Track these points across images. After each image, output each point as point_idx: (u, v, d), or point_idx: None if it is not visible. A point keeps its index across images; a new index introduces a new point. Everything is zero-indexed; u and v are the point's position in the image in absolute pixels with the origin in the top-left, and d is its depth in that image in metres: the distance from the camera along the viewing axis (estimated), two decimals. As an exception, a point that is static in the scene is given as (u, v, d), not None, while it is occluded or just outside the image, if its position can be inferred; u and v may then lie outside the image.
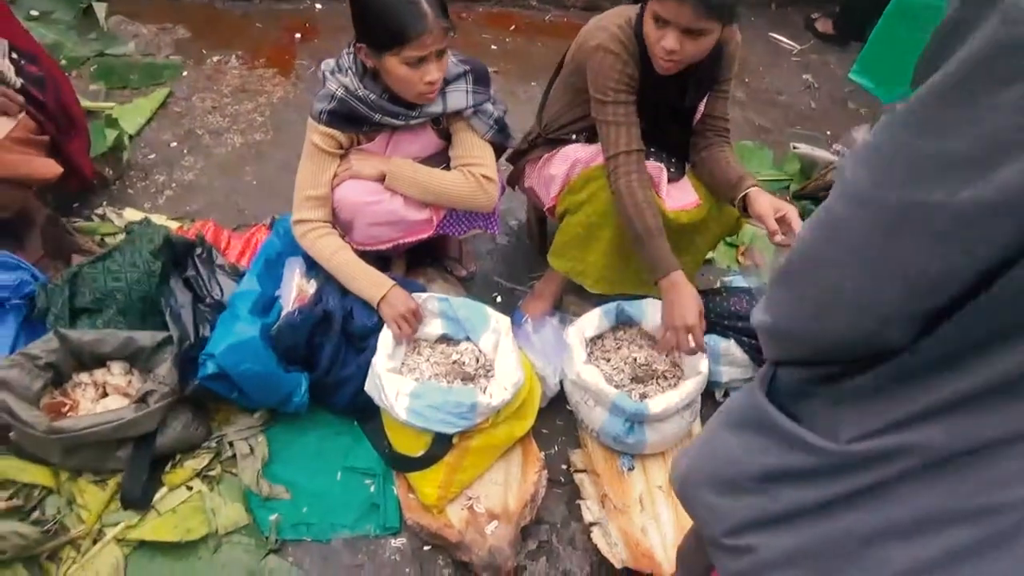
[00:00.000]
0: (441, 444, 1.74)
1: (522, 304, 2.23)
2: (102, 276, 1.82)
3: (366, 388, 1.79)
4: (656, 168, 1.92)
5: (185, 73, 3.13)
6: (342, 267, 1.83)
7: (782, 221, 1.68)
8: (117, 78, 3.04)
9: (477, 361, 1.87)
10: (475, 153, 1.85)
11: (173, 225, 2.31)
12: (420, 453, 1.75)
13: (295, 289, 1.87)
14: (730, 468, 0.80)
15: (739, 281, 2.24)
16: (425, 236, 1.96)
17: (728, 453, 0.81)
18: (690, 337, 1.74)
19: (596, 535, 1.77)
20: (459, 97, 1.79)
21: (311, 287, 1.90)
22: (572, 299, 2.26)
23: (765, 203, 1.70)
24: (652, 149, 1.97)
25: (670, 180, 1.96)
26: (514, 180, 2.24)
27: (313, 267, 1.96)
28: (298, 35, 3.45)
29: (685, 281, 1.74)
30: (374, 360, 1.79)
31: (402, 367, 1.88)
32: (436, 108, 1.77)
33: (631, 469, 1.91)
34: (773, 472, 0.75)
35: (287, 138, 2.84)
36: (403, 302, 1.80)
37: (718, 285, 2.28)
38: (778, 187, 2.90)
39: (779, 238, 1.66)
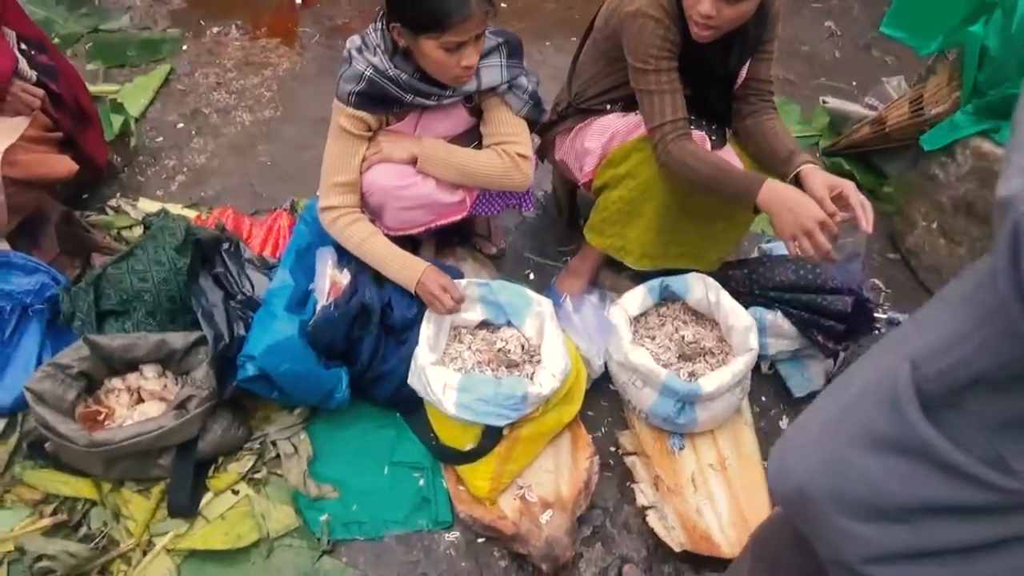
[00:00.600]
0: (492, 436, 1.69)
1: (556, 282, 2.16)
2: (127, 277, 1.74)
3: (410, 382, 1.73)
4: (699, 137, 1.82)
5: (185, 47, 2.99)
6: (374, 253, 1.75)
7: (839, 199, 1.58)
8: (115, 56, 2.89)
9: (522, 348, 1.80)
10: (509, 130, 1.76)
11: (190, 214, 2.21)
12: (469, 446, 1.70)
13: (329, 281, 1.79)
14: (875, 496, 0.73)
15: (780, 248, 2.16)
16: (459, 218, 1.88)
17: (870, 478, 0.74)
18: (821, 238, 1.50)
19: (652, 519, 1.73)
20: (494, 72, 1.69)
21: (345, 278, 1.82)
22: (607, 274, 2.18)
23: (819, 183, 1.60)
24: (692, 116, 1.86)
25: (712, 149, 1.86)
26: (543, 152, 2.14)
27: (345, 256, 1.87)
28: (299, 0, 3.28)
29: (784, 185, 1.57)
30: (416, 352, 1.72)
31: (444, 356, 1.82)
32: (470, 86, 1.67)
33: (681, 448, 1.86)
34: (935, 506, 0.68)
35: (297, 113, 2.72)
36: (437, 279, 1.73)
37: (755, 254, 2.20)
38: (807, 143, 2.80)
39: (838, 218, 1.56)
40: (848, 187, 1.58)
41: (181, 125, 2.65)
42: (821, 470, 0.81)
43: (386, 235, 1.83)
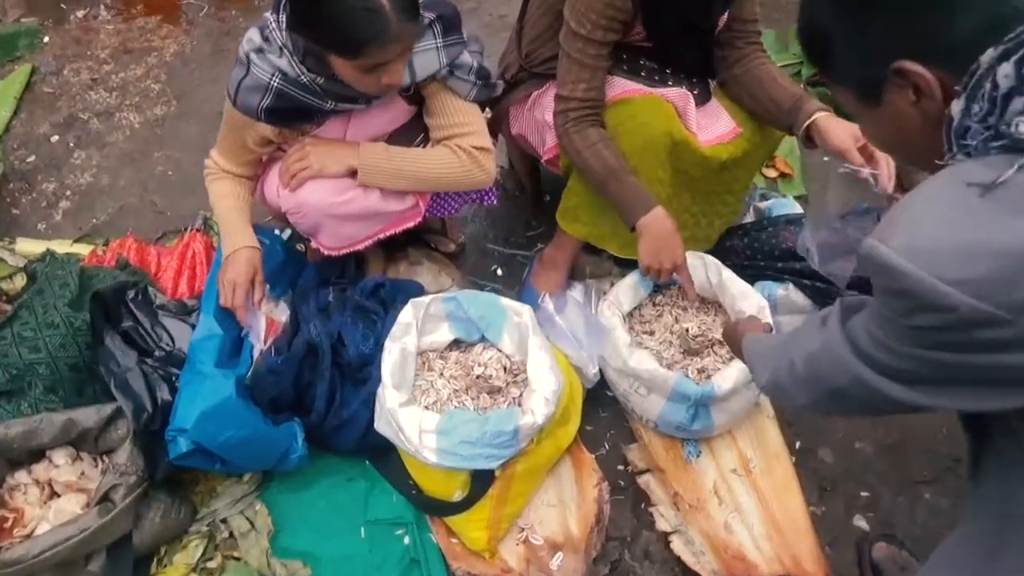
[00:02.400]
0: (483, 480, 1.59)
1: (531, 277, 2.04)
2: (14, 348, 1.58)
3: (378, 427, 1.62)
4: (680, 95, 1.71)
5: (46, 39, 2.74)
6: (219, 219, 1.73)
7: (863, 150, 1.51)
8: (-41, 60, 2.63)
9: (504, 369, 1.69)
10: (459, 120, 1.63)
11: (83, 250, 2.03)
12: (458, 495, 1.61)
13: (264, 320, 1.65)
14: None
15: (781, 207, 2.07)
16: (412, 225, 1.74)
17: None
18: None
19: (677, 545, 1.67)
20: (429, 58, 1.55)
21: (282, 312, 1.70)
22: (589, 260, 2.08)
23: (843, 133, 1.53)
24: (668, 71, 1.75)
25: (697, 106, 1.75)
26: (495, 126, 2.00)
27: (280, 284, 1.73)
28: (177, -34, 3.04)
29: (667, 217, 1.64)
30: (380, 393, 1.60)
31: (414, 389, 1.69)
32: (403, 80, 1.52)
33: (698, 456, 1.79)
34: None
35: (195, 105, 2.54)
36: (241, 268, 1.66)
37: (751, 217, 2.11)
38: (787, 74, 2.70)
39: (866, 173, 1.48)
40: None
41: (56, 138, 2.43)
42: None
43: (327, 256, 1.71)
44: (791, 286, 1.87)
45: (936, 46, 0.77)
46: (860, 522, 1.80)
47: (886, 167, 1.50)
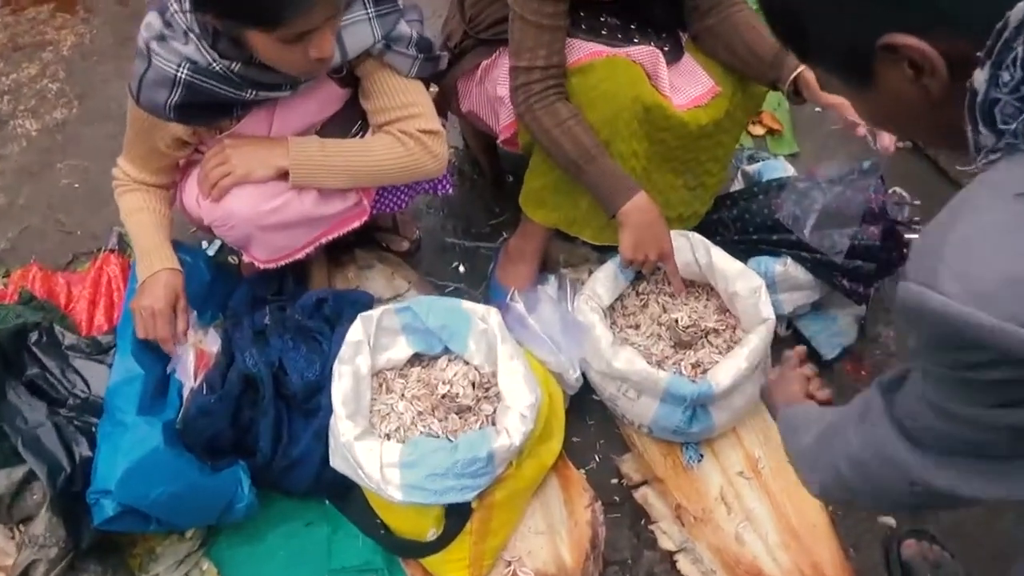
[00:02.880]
0: (459, 515, 1.54)
1: (498, 272, 1.98)
2: (-99, 411, 1.48)
3: (334, 464, 1.56)
4: (648, 54, 1.65)
5: (-80, 40, 2.62)
6: (132, 238, 1.67)
7: None
8: None
9: (473, 385, 1.62)
10: (401, 100, 1.56)
11: (-20, 285, 1.92)
12: (432, 533, 1.55)
13: (192, 352, 1.58)
14: None
15: (771, 169, 2.02)
16: (358, 225, 1.67)
17: None
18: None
19: (684, 564, 1.65)
20: (361, 31, 1.47)
21: (212, 342, 1.63)
22: (562, 246, 2.02)
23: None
24: (632, 26, 1.69)
25: (668, 65, 1.68)
26: (443, 104, 1.92)
27: (208, 308, 1.66)
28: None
29: (651, 202, 1.61)
30: (333, 425, 1.53)
31: (372, 415, 1.62)
32: (333, 60, 1.45)
33: (700, 460, 1.74)
34: None
35: (100, 105, 2.45)
36: (159, 293, 1.58)
37: (738, 184, 2.04)
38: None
39: (861, 130, 1.43)
40: None
41: (-60, 155, 2.33)
42: None
43: (263, 270, 1.66)
44: (789, 260, 1.81)
45: (934, 9, 0.70)
46: (886, 518, 1.76)
47: None
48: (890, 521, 1.75)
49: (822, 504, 1.69)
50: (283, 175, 1.53)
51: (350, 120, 1.64)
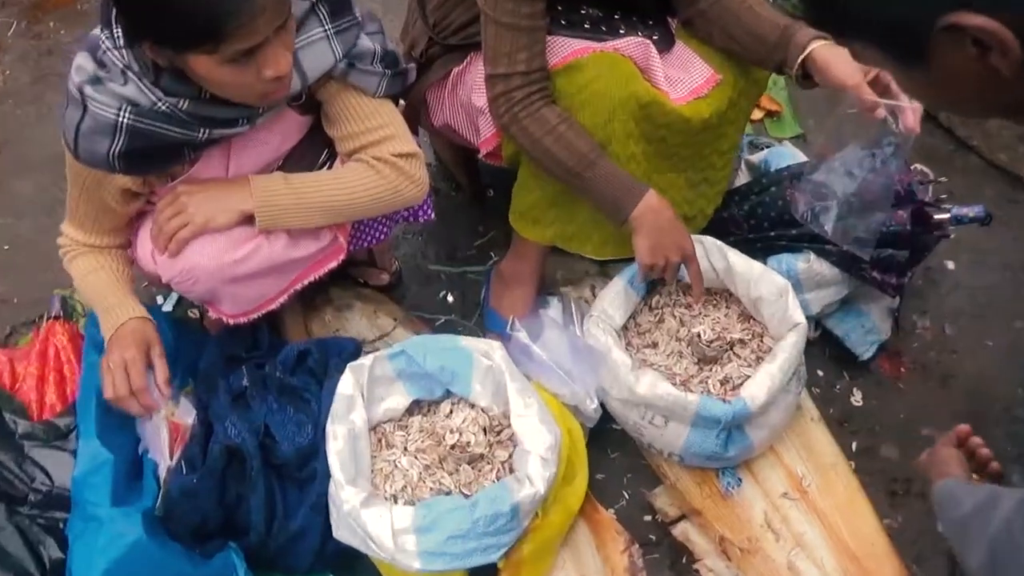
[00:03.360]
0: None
1: (492, 300, 1.96)
2: None
3: (338, 536, 1.53)
4: (637, 45, 1.64)
5: None
6: (91, 301, 1.64)
7: (876, 83, 1.47)
8: None
9: (484, 431, 1.59)
10: (371, 124, 1.53)
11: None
12: None
13: (164, 427, 1.54)
14: None
15: (779, 157, 2.01)
16: (335, 264, 1.64)
17: None
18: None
19: None
20: (320, 51, 1.43)
21: (185, 411, 1.58)
22: (557, 263, 2.01)
23: (848, 65, 1.47)
24: (616, 16, 1.67)
25: (660, 54, 1.68)
26: (413, 120, 1.89)
27: (178, 372, 1.63)
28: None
29: (663, 201, 1.61)
30: (333, 492, 1.51)
31: (373, 474, 1.59)
32: (291, 87, 1.42)
33: (739, 485, 1.73)
34: None
35: (24, 152, 2.41)
36: (128, 343, 1.53)
37: (744, 177, 2.04)
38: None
39: (881, 112, 1.43)
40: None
41: None
42: None
43: (232, 325, 1.63)
44: (812, 255, 1.81)
45: None
46: (946, 526, 1.75)
47: (909, 99, 1.44)
48: (951, 530, 1.75)
49: (878, 519, 1.68)
50: (247, 219, 1.49)
51: (315, 151, 1.61)
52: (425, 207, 1.78)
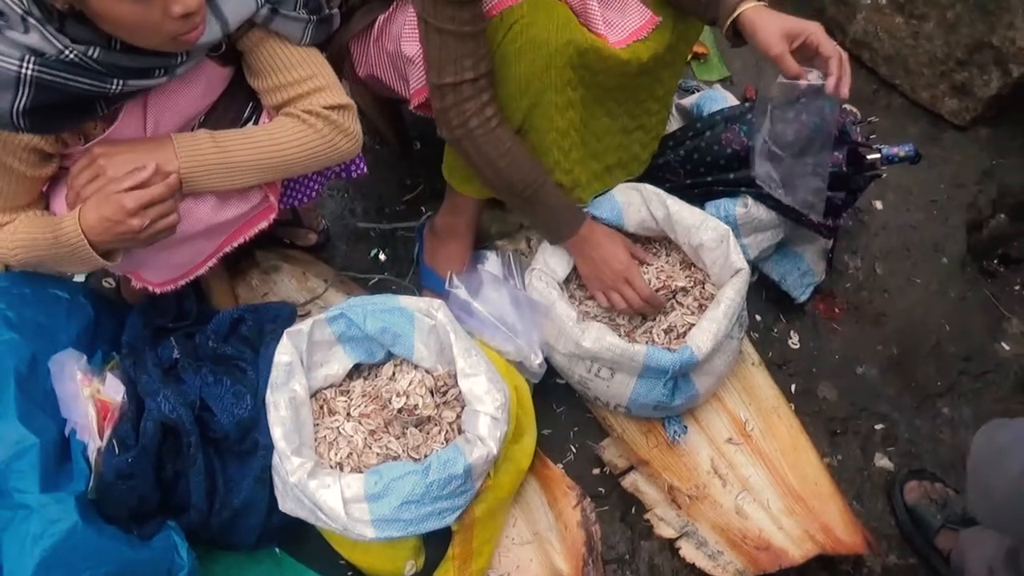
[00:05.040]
0: (437, 541, 1.52)
1: (427, 256, 1.92)
2: None
3: (284, 508, 1.50)
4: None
5: None
6: (23, 248, 1.44)
7: (804, 48, 1.46)
8: None
9: (431, 392, 1.56)
10: (299, 75, 1.46)
11: None
12: (409, 567, 1.52)
13: (91, 405, 1.46)
14: None
15: (711, 100, 2.00)
16: (266, 224, 1.58)
17: None
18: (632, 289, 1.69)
19: (688, 550, 1.66)
20: None
21: (112, 387, 1.50)
22: (491, 216, 1.97)
23: (774, 33, 1.46)
24: None
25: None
26: (335, 70, 1.81)
27: (99, 346, 1.57)
28: None
29: (597, 230, 1.71)
30: (277, 464, 1.47)
31: (317, 443, 1.55)
32: (209, 35, 1.34)
33: (685, 433, 1.75)
34: None
35: None
36: (111, 208, 1.34)
37: (677, 122, 2.04)
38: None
39: (803, 83, 1.47)
40: (816, 33, 1.46)
41: None
42: None
43: (154, 292, 1.55)
44: (750, 200, 1.81)
45: None
46: (882, 461, 1.83)
47: (837, 67, 1.44)
48: (888, 464, 1.81)
49: (819, 458, 1.72)
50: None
51: (238, 105, 1.52)
52: (358, 162, 1.71)
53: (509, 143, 1.54)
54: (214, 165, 1.41)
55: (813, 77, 1.48)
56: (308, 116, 1.45)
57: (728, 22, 1.53)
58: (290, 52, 1.45)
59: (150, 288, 1.53)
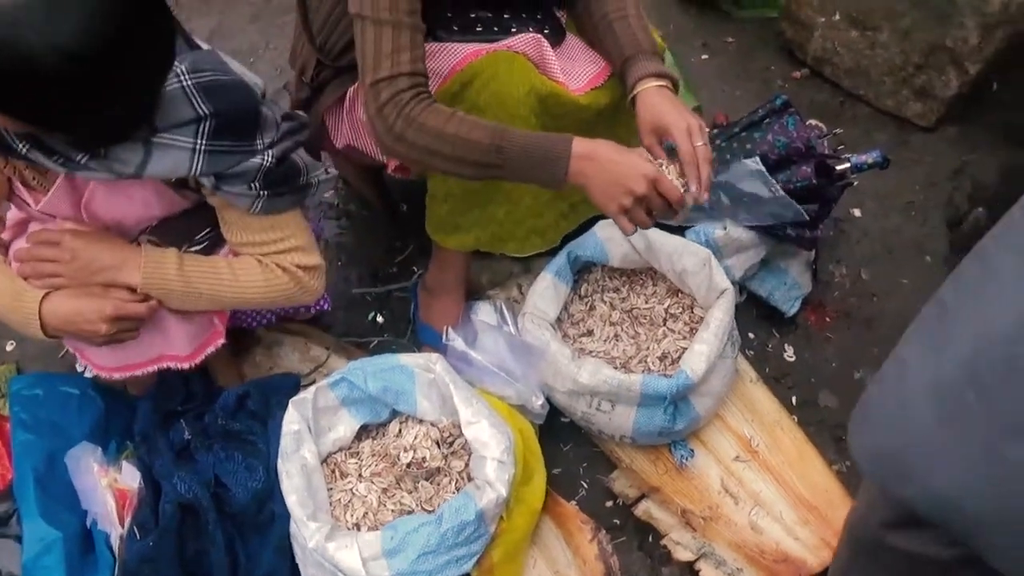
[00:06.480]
0: None
1: (422, 314, 1.96)
2: None
3: (306, 575, 1.52)
4: (529, 41, 1.66)
5: None
6: None
7: (687, 139, 1.46)
8: None
9: (438, 444, 1.60)
10: (269, 236, 1.46)
11: None
12: None
13: (109, 495, 1.51)
14: None
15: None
16: (213, 351, 1.59)
17: None
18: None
19: (707, 571, 1.67)
20: (174, 158, 1.29)
21: (128, 475, 1.55)
22: (481, 267, 2.03)
23: (647, 122, 1.50)
24: (506, 15, 1.70)
25: (553, 47, 1.70)
26: (315, 144, 1.88)
27: (112, 437, 1.59)
28: None
29: (590, 143, 1.45)
30: (295, 531, 1.50)
31: (332, 507, 1.59)
32: (127, 165, 1.28)
33: (692, 456, 1.78)
34: None
35: None
36: (89, 307, 1.36)
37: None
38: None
39: (665, 185, 1.43)
40: (678, 135, 1.45)
41: None
42: (978, 482, 0.85)
43: (161, 381, 1.61)
44: (729, 223, 1.87)
45: None
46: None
47: (691, 171, 1.44)
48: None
49: (827, 466, 1.75)
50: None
51: (194, 228, 1.50)
52: (321, 301, 1.79)
53: (452, 111, 1.46)
54: (173, 290, 1.42)
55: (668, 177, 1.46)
56: (277, 268, 1.47)
57: (629, 99, 1.57)
58: (246, 219, 1.43)
59: (98, 373, 1.53)
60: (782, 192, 1.76)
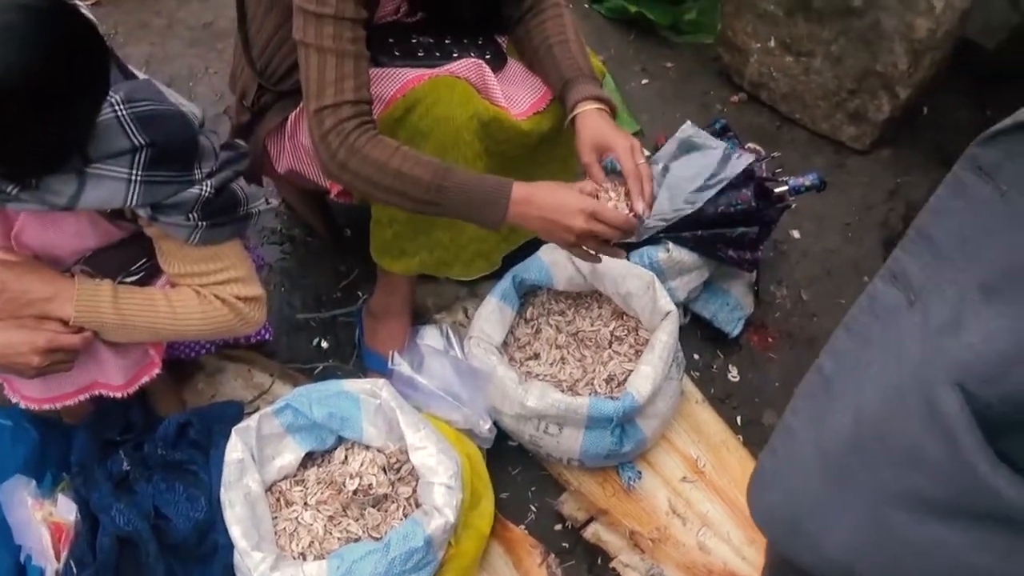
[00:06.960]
0: None
1: (367, 339, 1.95)
2: None
3: None
4: (470, 67, 1.67)
5: None
6: None
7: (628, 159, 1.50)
8: None
9: (384, 470, 1.59)
10: (208, 267, 1.44)
11: None
12: None
13: (44, 529, 1.47)
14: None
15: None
16: (148, 380, 1.57)
17: (952, 557, 0.79)
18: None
19: None
20: (109, 189, 1.27)
21: (64, 508, 1.51)
22: (426, 291, 2.02)
23: (587, 140, 1.54)
24: (448, 41, 1.71)
25: (494, 72, 1.72)
26: (257, 170, 1.87)
27: (47, 467, 1.57)
28: None
29: (529, 189, 1.48)
30: (239, 562, 1.48)
31: (278, 536, 1.56)
32: (60, 196, 1.25)
33: (640, 478, 1.79)
34: None
35: None
36: (21, 339, 1.34)
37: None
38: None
39: (608, 200, 1.49)
40: (620, 151, 1.50)
41: None
42: (865, 547, 0.87)
43: (98, 408, 1.57)
44: (671, 244, 1.89)
45: None
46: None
47: (634, 186, 1.49)
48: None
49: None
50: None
51: (130, 259, 1.47)
52: (263, 332, 1.77)
53: (396, 144, 1.47)
54: (107, 322, 1.40)
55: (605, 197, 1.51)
56: (216, 300, 1.45)
57: (567, 121, 1.61)
58: (184, 249, 1.41)
59: (23, 403, 1.50)
60: (718, 141, 1.80)
